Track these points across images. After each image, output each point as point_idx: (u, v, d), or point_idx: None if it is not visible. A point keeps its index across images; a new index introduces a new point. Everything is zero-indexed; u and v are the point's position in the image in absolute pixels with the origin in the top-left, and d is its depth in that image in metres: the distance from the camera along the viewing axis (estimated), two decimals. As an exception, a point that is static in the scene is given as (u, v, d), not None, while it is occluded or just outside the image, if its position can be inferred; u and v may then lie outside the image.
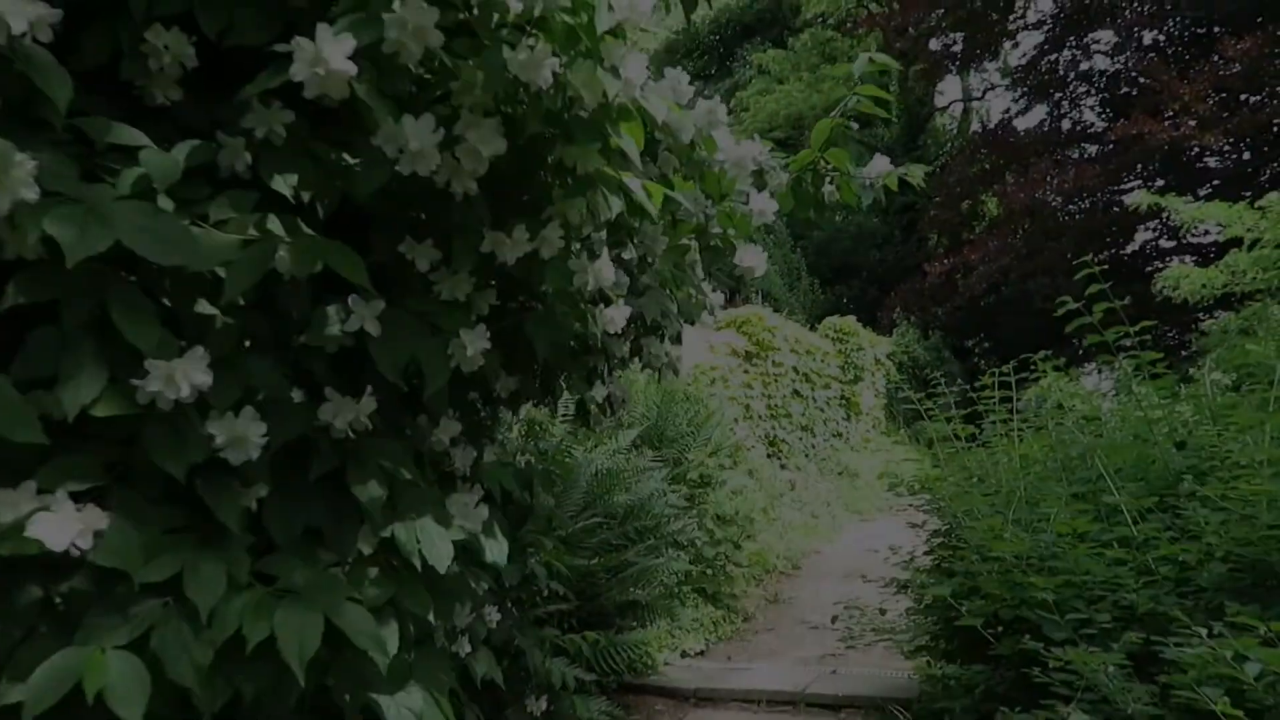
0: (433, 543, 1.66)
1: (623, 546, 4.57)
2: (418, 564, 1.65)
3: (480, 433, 2.24)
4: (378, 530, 1.63)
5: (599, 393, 2.73)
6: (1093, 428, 3.67)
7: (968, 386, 4.66)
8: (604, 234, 2.06)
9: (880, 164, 2.59)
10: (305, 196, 1.55)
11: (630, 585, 4.55)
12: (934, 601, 3.19)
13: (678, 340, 2.92)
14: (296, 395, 1.60)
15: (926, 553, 4.12)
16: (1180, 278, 12.01)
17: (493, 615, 2.50)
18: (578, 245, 1.93)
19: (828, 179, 2.64)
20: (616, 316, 2.11)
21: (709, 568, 6.04)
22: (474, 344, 1.67)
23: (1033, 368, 4.83)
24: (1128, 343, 3.55)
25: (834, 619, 3.54)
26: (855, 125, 2.57)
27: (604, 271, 1.82)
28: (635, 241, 2.25)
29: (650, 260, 2.33)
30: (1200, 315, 18.06)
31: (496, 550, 1.89)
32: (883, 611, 3.75)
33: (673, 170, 2.20)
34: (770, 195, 2.47)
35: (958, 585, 2.76)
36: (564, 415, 5.40)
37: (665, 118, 1.89)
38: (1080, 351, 22.10)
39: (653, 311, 2.51)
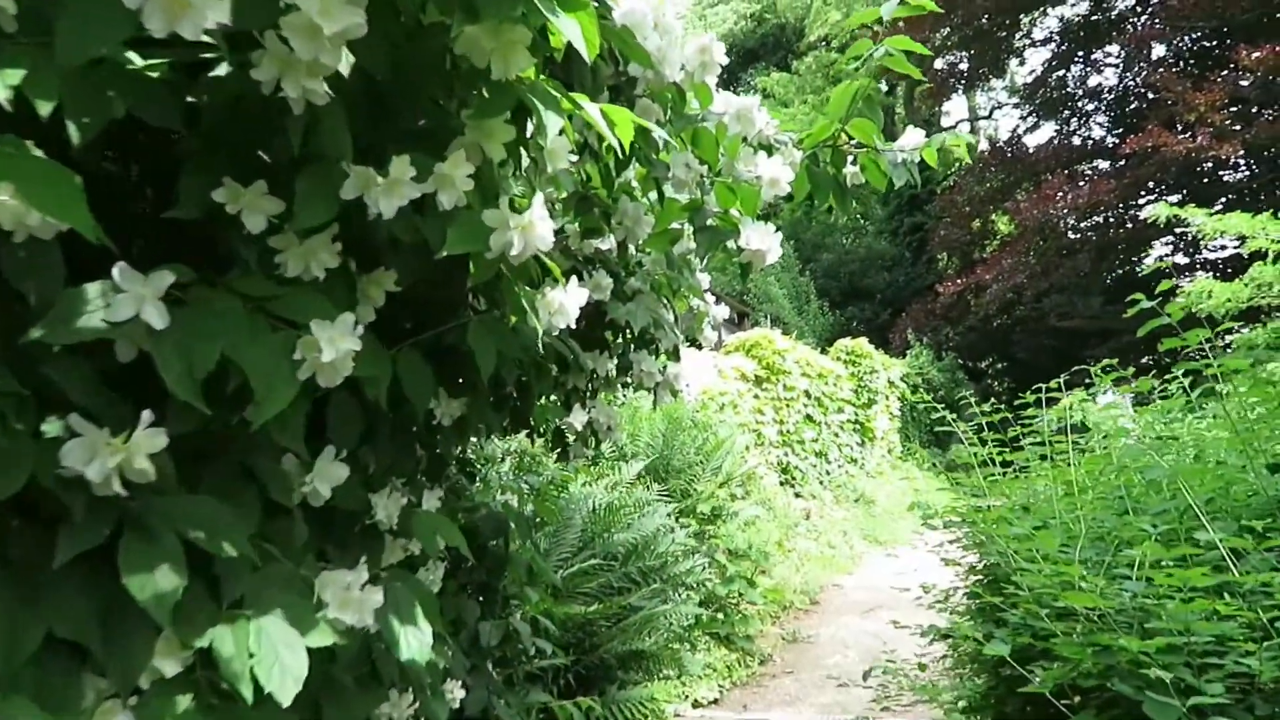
0: (275, 656, 1.05)
1: (625, 590, 4.11)
2: (247, 692, 1.05)
3: (429, 472, 1.77)
4: (186, 640, 1.02)
5: (577, 419, 2.27)
6: (1167, 449, 3.16)
7: (995, 406, 4.21)
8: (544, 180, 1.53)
9: (914, 136, 2.12)
10: (44, 109, 0.90)
11: (634, 634, 4.08)
12: (983, 656, 2.72)
13: (675, 356, 2.47)
14: (53, 428, 1.00)
15: (965, 593, 3.65)
16: (1203, 293, 11.59)
17: (457, 691, 2.03)
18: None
19: (851, 158, 2.14)
20: (566, 302, 1.43)
21: (721, 608, 5.57)
22: (334, 343, 1.09)
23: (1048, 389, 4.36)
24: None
25: (866, 674, 3.07)
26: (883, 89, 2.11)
27: (538, 228, 1.20)
28: (614, 224, 1.77)
29: (634, 249, 1.86)
30: (1221, 332, 17.63)
31: (414, 642, 1.28)
32: (922, 668, 3.27)
33: (656, 123, 1.67)
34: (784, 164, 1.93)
35: (1014, 640, 2.30)
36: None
37: (645, 39, 1.40)
38: (1093, 372, 21.74)
39: (642, 320, 2.07)
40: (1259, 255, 10.39)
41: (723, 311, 3.10)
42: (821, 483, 11.82)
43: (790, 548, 8.96)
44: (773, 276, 22.26)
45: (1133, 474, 2.78)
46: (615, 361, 2.28)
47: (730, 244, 1.95)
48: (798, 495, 10.98)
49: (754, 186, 1.94)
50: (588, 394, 2.29)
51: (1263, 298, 10.66)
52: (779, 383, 11.29)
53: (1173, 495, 2.38)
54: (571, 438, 2.39)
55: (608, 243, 1.88)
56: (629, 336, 2.30)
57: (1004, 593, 2.62)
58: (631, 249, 1.91)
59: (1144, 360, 19.84)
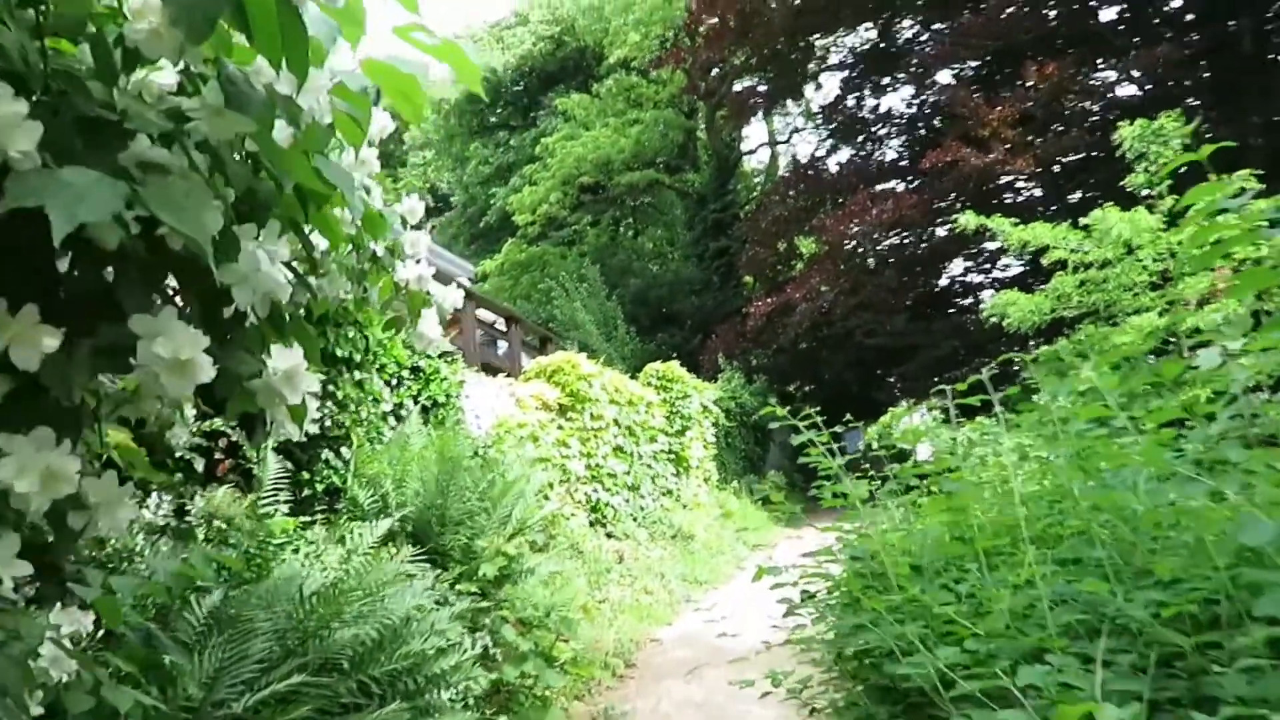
0: None
1: (353, 710, 2.84)
2: None
3: None
4: None
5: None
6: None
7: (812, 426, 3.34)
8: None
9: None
10: None
11: (371, 772, 2.82)
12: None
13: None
14: None
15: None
16: (1008, 305, 11.43)
17: None
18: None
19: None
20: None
21: (511, 699, 4.37)
22: None
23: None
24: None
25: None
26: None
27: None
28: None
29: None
30: (1017, 347, 18.03)
31: None
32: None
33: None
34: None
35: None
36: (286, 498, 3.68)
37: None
38: (898, 389, 22.00)
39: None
40: (1060, 265, 10.21)
41: (454, 295, 1.99)
42: (635, 519, 10.79)
43: (602, 598, 7.84)
44: (579, 302, 21.32)
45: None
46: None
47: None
48: (610, 535, 9.91)
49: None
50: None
51: (1064, 309, 10.51)
52: (585, 411, 10.21)
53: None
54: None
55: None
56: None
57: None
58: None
59: (949, 375, 20.17)
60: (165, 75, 1.30)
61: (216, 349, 1.10)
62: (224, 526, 3.08)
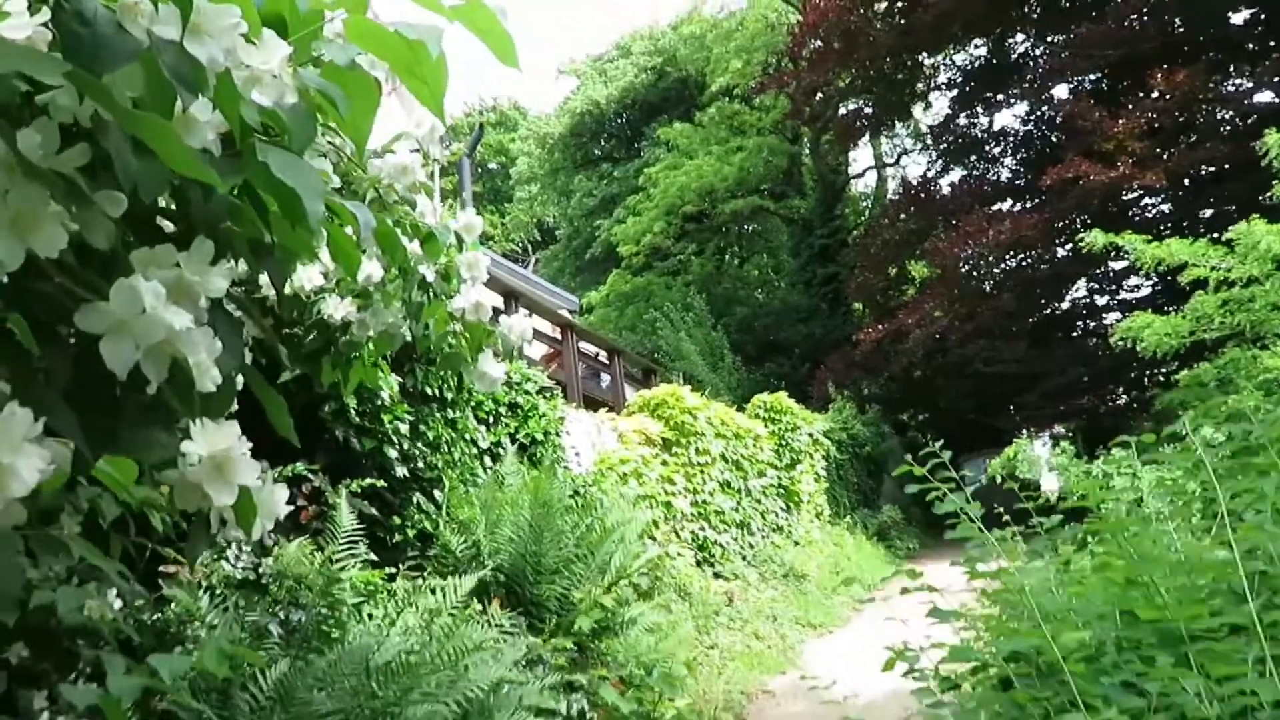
0: None
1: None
2: None
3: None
4: None
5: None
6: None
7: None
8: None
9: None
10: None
11: None
12: None
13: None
14: None
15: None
16: (1141, 328, 10.65)
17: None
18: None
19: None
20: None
21: (611, 766, 4.05)
22: None
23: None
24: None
25: None
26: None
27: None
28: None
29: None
30: (1151, 372, 16.91)
31: None
32: None
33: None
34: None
35: None
36: (369, 546, 3.47)
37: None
38: (1018, 418, 20.94)
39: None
40: (1199, 284, 9.42)
41: (523, 325, 1.69)
42: (745, 558, 10.36)
43: (710, 644, 7.46)
44: (684, 332, 21.05)
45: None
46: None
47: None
48: (718, 575, 9.51)
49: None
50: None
51: (1205, 331, 9.69)
52: (690, 446, 9.88)
53: None
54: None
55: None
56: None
57: None
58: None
59: (1079, 402, 19.07)
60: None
61: (102, 425, 0.80)
62: (295, 585, 2.86)
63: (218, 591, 2.83)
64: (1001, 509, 3.33)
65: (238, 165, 0.99)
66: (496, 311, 1.85)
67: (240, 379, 1.17)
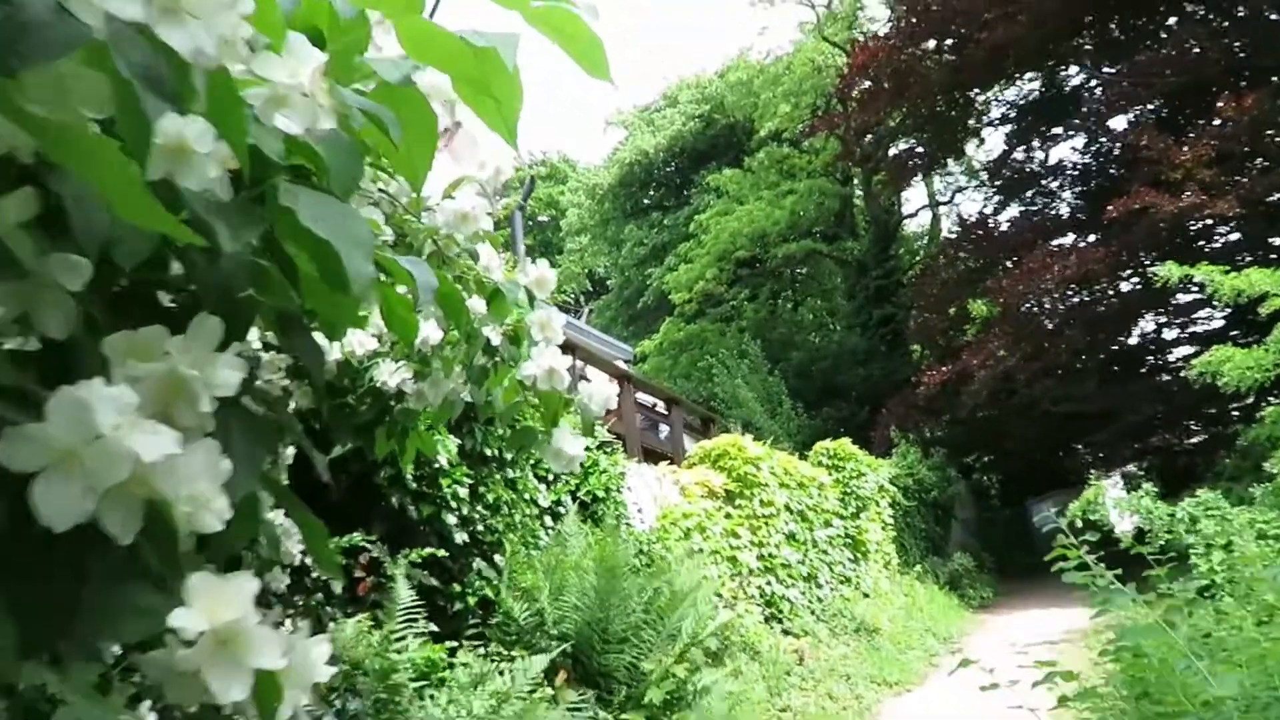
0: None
1: None
2: None
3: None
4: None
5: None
6: None
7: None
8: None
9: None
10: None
11: None
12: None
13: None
14: None
15: None
16: (1221, 362, 10.21)
17: None
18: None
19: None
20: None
21: None
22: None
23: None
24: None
25: None
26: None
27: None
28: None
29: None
30: (1231, 407, 16.20)
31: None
32: None
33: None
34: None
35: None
36: (428, 619, 3.29)
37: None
38: (1087, 458, 20.22)
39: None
40: (1248, 324, 8.99)
41: (605, 391, 1.49)
42: (814, 613, 9.99)
43: (782, 706, 7.13)
44: (740, 378, 20.77)
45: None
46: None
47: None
48: (786, 632, 9.16)
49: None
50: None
51: (1292, 363, 9.26)
52: (754, 497, 9.58)
53: None
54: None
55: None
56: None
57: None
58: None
59: (1152, 440, 18.33)
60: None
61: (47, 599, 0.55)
62: (351, 670, 2.67)
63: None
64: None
65: (254, 213, 0.75)
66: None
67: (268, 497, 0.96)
